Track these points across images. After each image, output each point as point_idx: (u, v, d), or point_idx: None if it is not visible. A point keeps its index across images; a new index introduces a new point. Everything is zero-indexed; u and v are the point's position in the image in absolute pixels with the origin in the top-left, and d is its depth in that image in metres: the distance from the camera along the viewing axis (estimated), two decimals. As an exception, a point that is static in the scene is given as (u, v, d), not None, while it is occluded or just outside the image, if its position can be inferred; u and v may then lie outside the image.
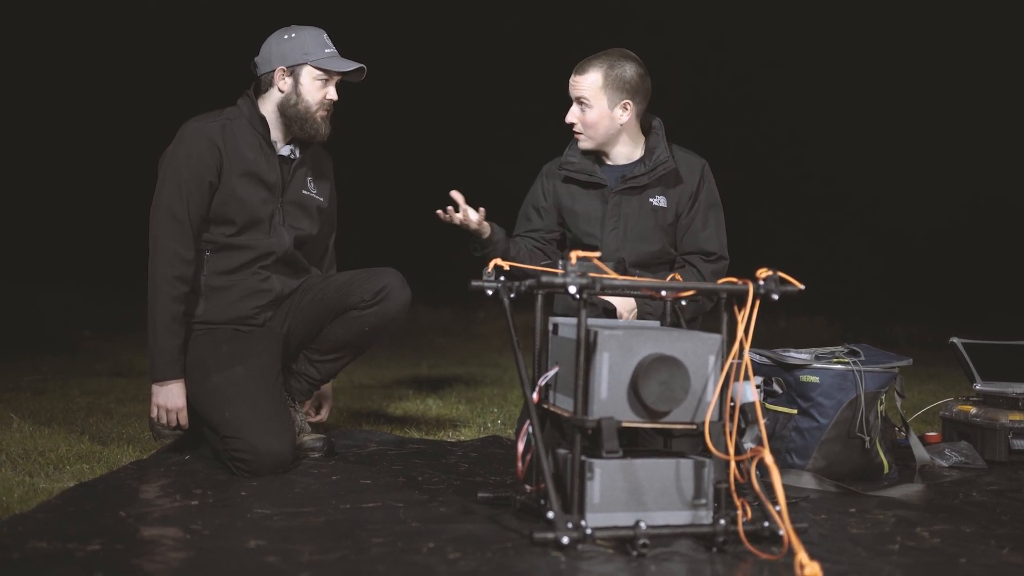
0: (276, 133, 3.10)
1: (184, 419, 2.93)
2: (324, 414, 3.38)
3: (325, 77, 3.06)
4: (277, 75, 3.06)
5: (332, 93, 3.08)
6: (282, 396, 3.04)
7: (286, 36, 3.07)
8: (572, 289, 2.26)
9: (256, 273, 3.05)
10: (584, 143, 3.27)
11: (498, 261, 2.57)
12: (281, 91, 3.06)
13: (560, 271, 2.29)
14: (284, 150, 3.11)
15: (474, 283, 2.54)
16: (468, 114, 11.38)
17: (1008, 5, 10.79)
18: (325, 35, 3.10)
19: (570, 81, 3.25)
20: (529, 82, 10.81)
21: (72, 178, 10.44)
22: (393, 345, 6.96)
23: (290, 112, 3.06)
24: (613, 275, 2.33)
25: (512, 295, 2.52)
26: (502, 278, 2.54)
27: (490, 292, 2.53)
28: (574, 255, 2.29)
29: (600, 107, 3.20)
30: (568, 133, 3.31)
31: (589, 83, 3.20)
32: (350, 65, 3.07)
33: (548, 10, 11.60)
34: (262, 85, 3.10)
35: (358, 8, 10.18)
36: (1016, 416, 3.33)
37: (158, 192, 2.98)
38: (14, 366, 5.12)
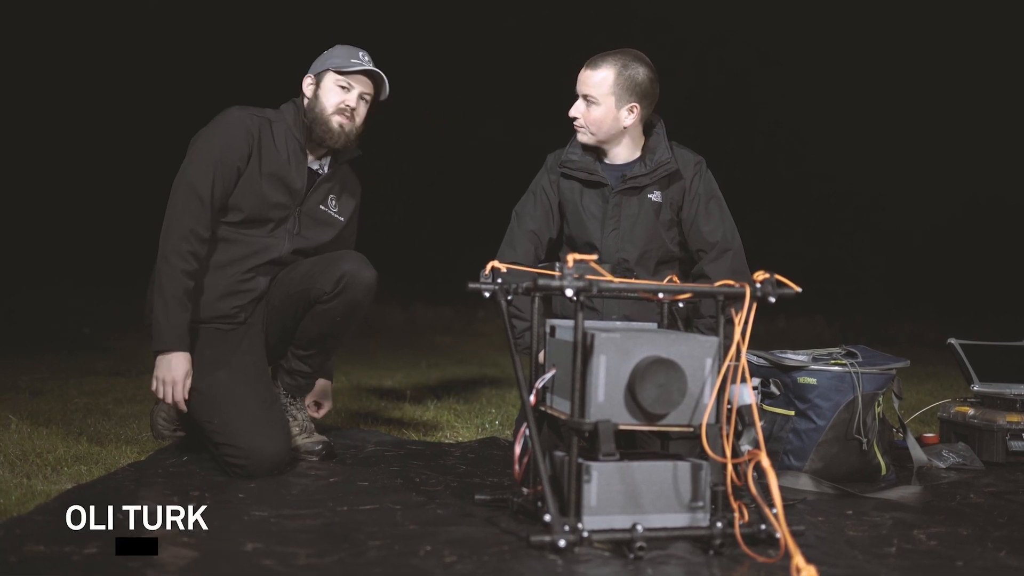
0: (310, 144, 3.13)
1: (181, 394, 2.87)
2: (322, 413, 3.36)
3: (344, 84, 3.08)
4: (305, 82, 3.13)
5: (351, 100, 3.08)
6: (273, 395, 3.03)
7: (327, 52, 3.14)
8: (569, 292, 2.26)
9: (245, 272, 3.05)
10: (583, 137, 3.21)
11: (495, 263, 2.55)
12: (307, 97, 3.12)
13: (557, 273, 2.29)
14: (313, 164, 3.15)
15: (471, 285, 2.53)
16: (468, 113, 11.38)
17: (1008, 5, 10.78)
18: (363, 52, 3.13)
19: (579, 75, 3.17)
20: (529, 82, 10.81)
21: (72, 178, 10.45)
22: (392, 344, 6.96)
23: (310, 116, 3.09)
24: (610, 278, 2.32)
25: (509, 297, 2.52)
26: (499, 280, 2.53)
27: (487, 294, 2.52)
28: (571, 258, 2.29)
29: (607, 106, 3.13)
30: (568, 130, 3.27)
31: (598, 80, 3.12)
32: (361, 66, 3.08)
33: (548, 9, 11.60)
34: (300, 96, 3.16)
35: (356, 8, 10.18)
36: (1014, 417, 3.33)
37: (184, 168, 2.97)
38: (13, 366, 5.11)
